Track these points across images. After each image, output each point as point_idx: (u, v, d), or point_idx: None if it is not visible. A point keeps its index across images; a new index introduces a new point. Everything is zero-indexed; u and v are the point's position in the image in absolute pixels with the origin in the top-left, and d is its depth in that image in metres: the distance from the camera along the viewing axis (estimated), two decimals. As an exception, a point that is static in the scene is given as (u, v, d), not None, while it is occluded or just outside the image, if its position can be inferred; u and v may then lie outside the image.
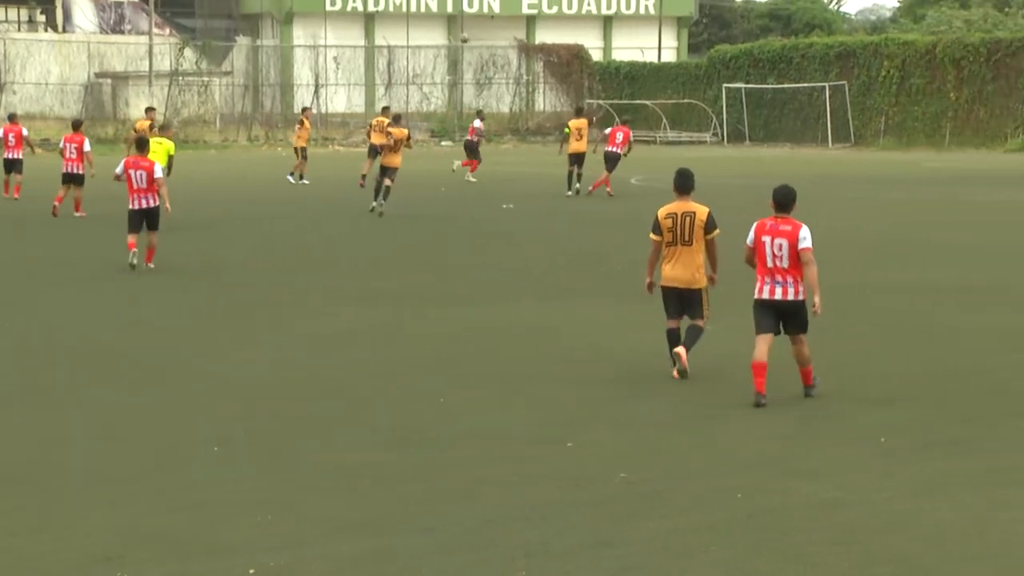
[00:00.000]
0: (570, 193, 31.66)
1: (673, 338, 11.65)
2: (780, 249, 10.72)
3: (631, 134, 32.83)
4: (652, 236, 11.73)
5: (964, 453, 9.11)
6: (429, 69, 69.38)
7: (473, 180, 36.65)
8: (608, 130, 34.36)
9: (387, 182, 26.56)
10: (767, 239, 10.79)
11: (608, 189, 31.60)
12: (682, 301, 11.64)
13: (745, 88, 65.37)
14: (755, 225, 10.93)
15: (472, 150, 38.38)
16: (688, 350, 11.56)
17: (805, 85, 63.20)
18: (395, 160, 26.88)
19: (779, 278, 10.75)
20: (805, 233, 10.72)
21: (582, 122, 32.92)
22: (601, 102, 66.21)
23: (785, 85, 63.99)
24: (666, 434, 9.78)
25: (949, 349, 12.80)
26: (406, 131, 27.79)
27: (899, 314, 14.97)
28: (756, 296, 10.87)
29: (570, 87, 72.06)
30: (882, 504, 8.01)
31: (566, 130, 33.10)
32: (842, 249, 21.10)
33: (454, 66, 70.03)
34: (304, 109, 39.03)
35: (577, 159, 31.97)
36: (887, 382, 11.39)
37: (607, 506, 8.01)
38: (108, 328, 14.23)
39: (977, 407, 10.46)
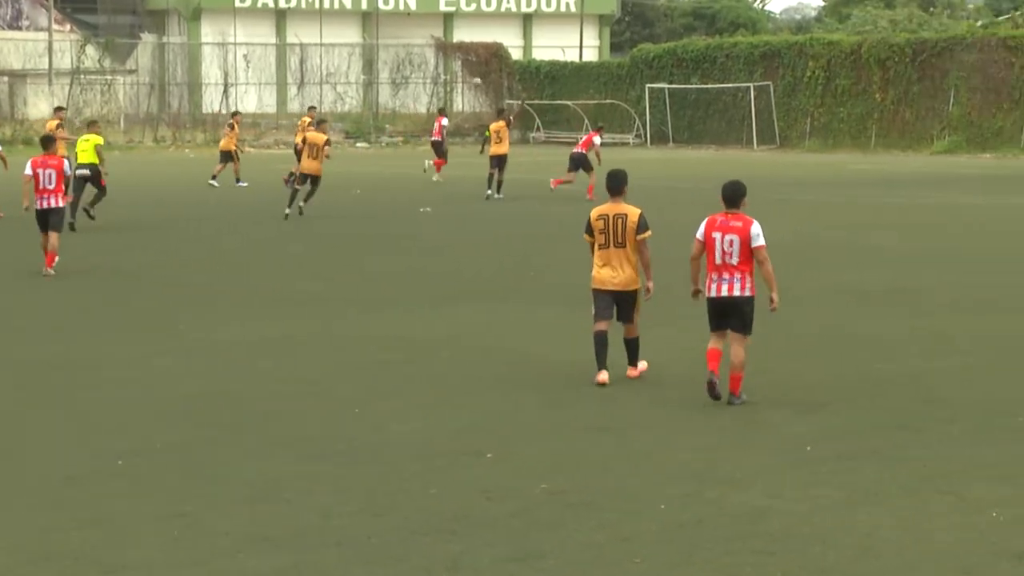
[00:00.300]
0: (489, 193, 31.82)
1: (600, 341, 11.67)
2: (731, 245, 10.96)
3: (594, 139, 33.25)
4: (587, 237, 11.89)
5: (894, 460, 9.16)
6: (343, 68, 69.11)
7: (439, 180, 37.00)
8: (585, 136, 35.04)
9: (306, 187, 26.59)
10: (717, 235, 11.00)
11: (558, 186, 32.23)
12: (616, 303, 11.73)
13: (669, 88, 65.78)
14: (705, 221, 11.13)
15: (440, 149, 38.64)
16: (635, 364, 11.88)
17: (730, 85, 63.73)
18: (312, 166, 26.67)
19: (726, 275, 10.98)
20: (757, 230, 11.01)
21: (500, 124, 33.20)
22: (511, 102, 66.22)
23: (709, 85, 64.48)
24: (590, 443, 9.75)
25: (877, 354, 12.89)
26: (324, 137, 27.52)
27: (826, 318, 15.07)
28: (707, 295, 11.11)
29: (489, 87, 72.07)
30: (811, 513, 8.03)
31: (487, 133, 33.51)
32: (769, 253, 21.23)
33: (369, 65, 69.82)
34: (235, 113, 39.25)
35: (498, 162, 32.12)
36: (814, 389, 11.45)
37: (529, 517, 7.96)
38: (15, 337, 13.95)
39: (906, 413, 10.53)
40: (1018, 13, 70.96)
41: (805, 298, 16.46)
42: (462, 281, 18.08)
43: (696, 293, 11.41)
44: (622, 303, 11.73)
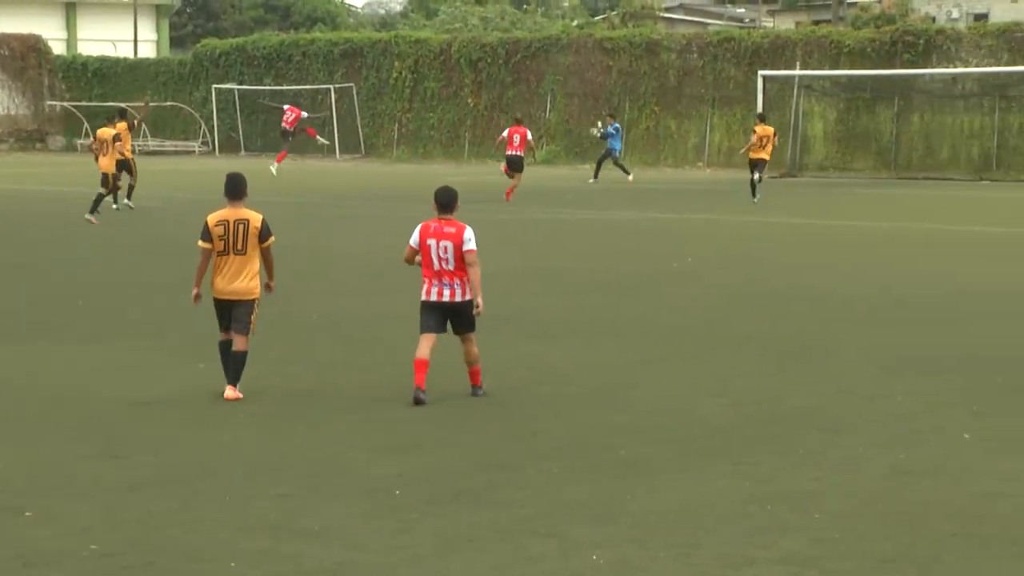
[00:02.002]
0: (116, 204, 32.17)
1: (225, 350, 12.52)
2: (446, 252, 12.27)
3: (528, 134, 36.07)
4: (202, 244, 12.41)
5: (491, 502, 9.40)
6: None
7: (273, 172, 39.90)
8: (505, 133, 37.20)
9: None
10: (432, 242, 12.30)
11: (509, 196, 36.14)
12: (232, 313, 12.41)
13: (239, 90, 65.46)
14: (419, 227, 12.40)
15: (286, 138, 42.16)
16: (236, 383, 12.40)
17: (308, 87, 64.06)
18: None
19: (446, 280, 12.31)
20: (469, 235, 12.34)
21: (107, 132, 32.63)
22: (65, 104, 64.39)
23: (285, 87, 64.58)
24: (147, 496, 9.54)
25: (463, 387, 13.19)
26: None
27: (409, 350, 15.35)
28: (424, 298, 12.37)
29: (26, 85, 69.72)
30: (400, 565, 8.13)
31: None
32: (352, 274, 21.47)
33: None
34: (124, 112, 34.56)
35: (123, 166, 32.37)
36: (398, 429, 11.62)
37: (76, 588, 7.72)
38: None
39: (502, 451, 10.83)
40: (614, 13, 74.46)
41: (389, 319, 16.74)
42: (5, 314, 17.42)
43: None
44: (239, 312, 12.38)
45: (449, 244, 12.28)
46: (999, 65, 51.38)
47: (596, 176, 46.66)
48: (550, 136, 59.19)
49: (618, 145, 46.98)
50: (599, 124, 48.84)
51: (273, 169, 39.48)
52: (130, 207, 33.01)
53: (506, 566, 8.12)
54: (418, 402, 12.14)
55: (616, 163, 47.10)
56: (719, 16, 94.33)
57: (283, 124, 42.38)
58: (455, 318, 12.45)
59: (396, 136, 62.61)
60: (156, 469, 10.29)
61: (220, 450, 10.83)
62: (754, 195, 37.51)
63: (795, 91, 53.15)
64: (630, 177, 46.29)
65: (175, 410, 12.22)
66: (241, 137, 65.25)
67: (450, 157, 59.95)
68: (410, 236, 12.48)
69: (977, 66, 52.40)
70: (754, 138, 38.63)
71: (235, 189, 12.49)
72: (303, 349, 15.02)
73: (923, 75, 53.12)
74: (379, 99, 62.82)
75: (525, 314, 17.18)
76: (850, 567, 8.05)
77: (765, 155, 38.14)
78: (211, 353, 13.41)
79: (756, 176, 37.87)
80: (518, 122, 38.92)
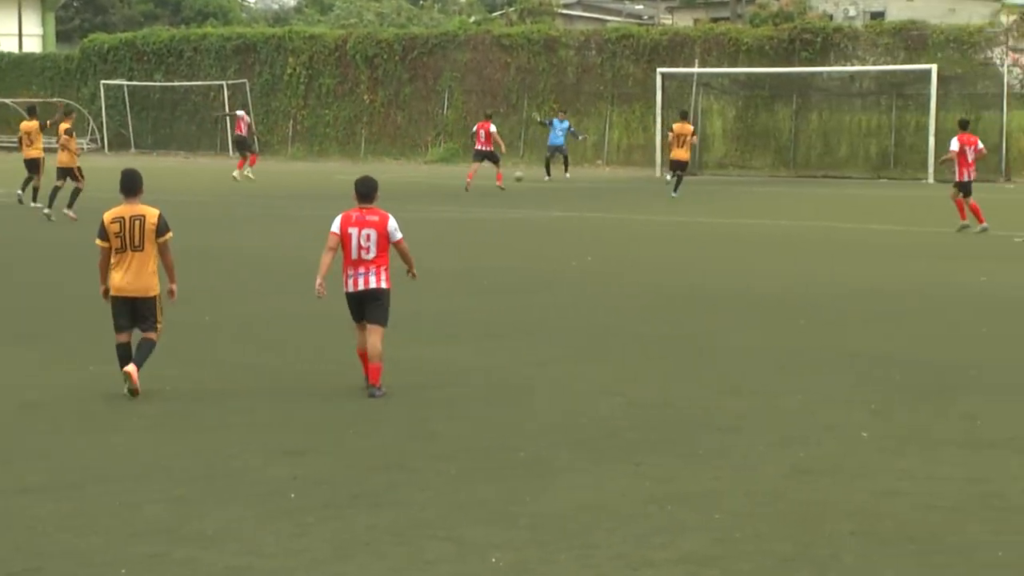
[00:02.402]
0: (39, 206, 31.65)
1: (124, 354, 12.45)
2: (368, 240, 12.66)
3: (493, 129, 39.78)
4: (99, 242, 12.58)
5: (388, 505, 9.41)
6: None
7: (251, 177, 41.69)
8: (475, 128, 41.02)
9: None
10: (354, 231, 12.68)
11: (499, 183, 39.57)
12: (135, 312, 12.51)
13: (128, 86, 64.87)
14: (339, 217, 12.76)
15: (244, 145, 43.53)
16: (140, 366, 12.38)
17: (200, 83, 63.59)
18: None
19: (362, 269, 12.69)
20: (395, 225, 12.81)
21: (31, 124, 33.02)
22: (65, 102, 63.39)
23: (176, 83, 64.09)
24: (36, 501, 9.45)
25: (359, 389, 13.19)
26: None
27: (306, 352, 15.31)
28: (345, 290, 12.78)
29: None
30: (297, 569, 8.12)
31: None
32: (245, 274, 21.36)
33: None
34: (69, 111, 32.67)
35: (32, 166, 32.61)
36: (295, 430, 11.60)
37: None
38: None
39: (399, 453, 10.84)
40: (512, 9, 74.61)
41: (289, 320, 16.69)
42: None
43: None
44: (143, 310, 12.51)
45: (372, 232, 12.71)
46: (896, 63, 52.06)
47: (566, 172, 46.91)
48: (448, 134, 59.18)
49: (561, 140, 46.98)
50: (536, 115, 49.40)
51: (236, 175, 41.47)
52: (36, 206, 32.21)
53: (403, 569, 8.15)
54: (373, 396, 12.60)
55: (548, 162, 47.19)
56: (618, 13, 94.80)
57: (236, 131, 43.57)
58: (368, 305, 12.76)
59: (291, 133, 62.32)
60: (46, 473, 10.19)
61: (112, 453, 10.75)
62: (674, 190, 38.64)
63: (694, 89, 53.55)
64: (547, 178, 46.59)
65: (66, 413, 12.12)
66: (131, 134, 64.65)
67: (346, 155, 59.74)
68: (332, 224, 12.86)
69: (874, 64, 53.08)
70: (670, 136, 39.41)
71: (131, 185, 12.67)
72: (197, 350, 14.94)
73: (821, 73, 53.73)
74: (273, 96, 62.49)
75: (424, 315, 17.19)
76: (750, 567, 8.16)
77: (683, 154, 38.86)
78: (102, 355, 13.32)
79: (669, 176, 39.21)
80: (488, 118, 41.86)
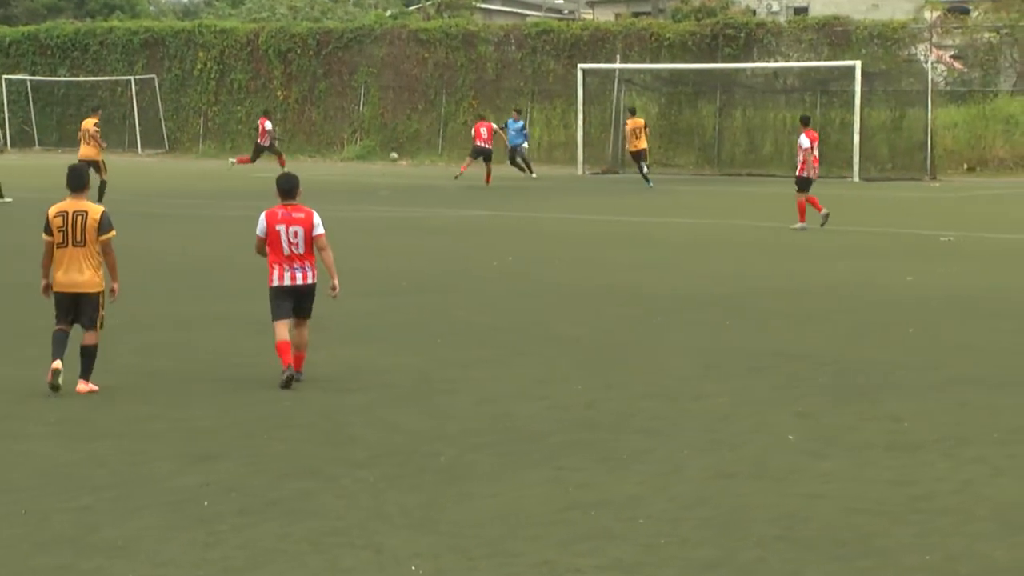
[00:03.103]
0: None
1: (59, 339, 12.74)
2: (296, 236, 13.24)
3: (494, 127, 44.02)
4: (44, 236, 12.85)
5: (304, 512, 9.36)
6: None
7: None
8: (474, 129, 44.28)
9: None
10: (282, 228, 13.24)
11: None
12: (77, 307, 12.79)
13: (31, 81, 64.22)
14: (264, 215, 13.32)
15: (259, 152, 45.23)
16: (88, 378, 12.86)
17: (107, 78, 63.07)
18: None
19: (296, 264, 13.28)
20: (318, 220, 13.39)
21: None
22: None
23: (82, 78, 63.53)
24: (-63, 513, 9.33)
25: (272, 393, 13.12)
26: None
27: (212, 354, 15.22)
28: (276, 283, 13.27)
29: None
30: (209, 580, 8.07)
31: None
32: (157, 275, 21.20)
33: None
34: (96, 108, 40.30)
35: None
36: (205, 436, 11.52)
37: None
38: None
39: (315, 459, 10.79)
40: (429, 3, 74.50)
41: (194, 322, 16.59)
42: None
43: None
44: (84, 306, 12.76)
45: (299, 229, 13.26)
46: (819, 59, 52.50)
47: (531, 172, 46.99)
48: (364, 131, 59.06)
49: (518, 140, 46.96)
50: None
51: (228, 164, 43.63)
52: None
53: (320, 578, 8.11)
54: (288, 382, 13.01)
55: (515, 163, 47.17)
56: (537, 7, 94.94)
57: (260, 140, 45.63)
58: (300, 301, 13.37)
59: (202, 130, 61.96)
60: (-54, 483, 10.07)
61: (15, 461, 10.63)
62: (647, 182, 42.49)
63: (616, 85, 53.74)
64: (533, 175, 47.06)
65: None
66: (35, 131, 64.02)
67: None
68: (256, 227, 13.43)
69: (798, 60, 53.50)
70: (626, 130, 43.43)
71: (76, 181, 13.00)
72: (103, 354, 14.79)
73: (745, 69, 54.09)
74: (183, 91, 62.10)
75: (340, 316, 17.13)
76: (675, 573, 8.19)
77: (642, 144, 43.29)
78: (3, 358, 13.17)
79: (641, 166, 43.17)
80: (481, 118, 45.80)
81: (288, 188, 13.43)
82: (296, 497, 9.75)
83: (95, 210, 12.93)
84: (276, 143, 46.80)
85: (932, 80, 50.43)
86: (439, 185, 43.69)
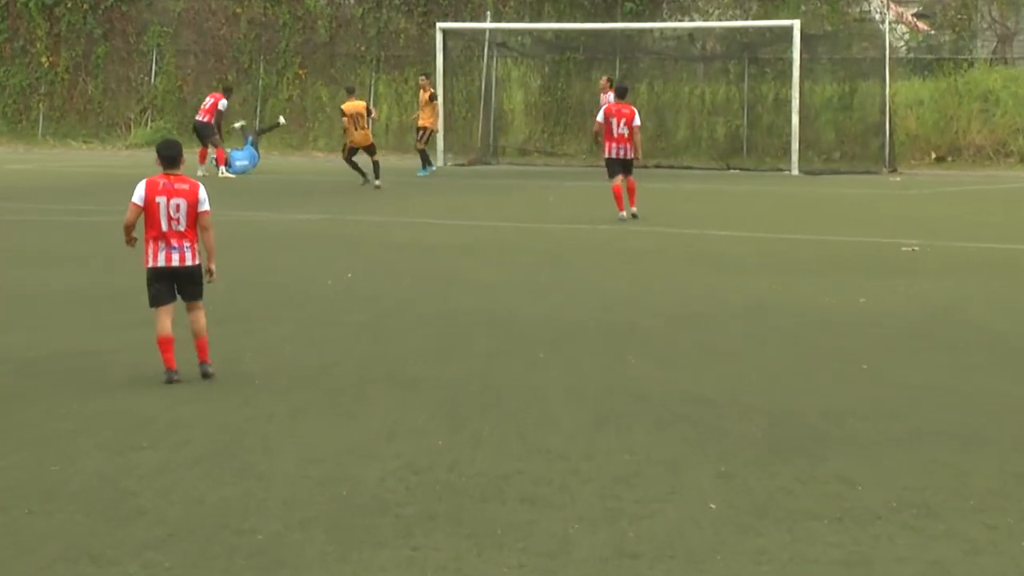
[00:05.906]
0: None
1: None
2: (177, 211, 14.73)
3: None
4: None
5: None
6: None
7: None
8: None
9: None
10: (162, 200, 14.67)
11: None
12: None
13: None
14: (144, 184, 14.77)
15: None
16: None
17: None
18: None
19: (175, 242, 14.80)
20: (204, 195, 14.93)
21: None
22: None
23: None
24: None
25: (34, 450, 13.03)
26: None
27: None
28: (151, 264, 14.88)
29: None
30: None
31: None
32: None
33: None
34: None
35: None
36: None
37: None
38: None
39: (94, 540, 10.72)
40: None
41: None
42: None
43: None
44: None
45: (182, 202, 14.77)
46: (747, 18, 52.98)
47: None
48: (157, 109, 58.73)
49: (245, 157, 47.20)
50: (240, 124, 49.49)
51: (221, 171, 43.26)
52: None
53: None
54: (171, 382, 14.95)
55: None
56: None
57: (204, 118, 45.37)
58: (183, 284, 15.11)
59: (-59, 108, 61.29)
60: None
61: None
62: (367, 181, 43.60)
63: (485, 50, 53.88)
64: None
65: None
66: None
67: (18, 137, 58.89)
68: (133, 194, 14.83)
69: (720, 19, 53.91)
70: (344, 120, 43.26)
71: (170, 155, 14.92)
72: None
73: (652, 31, 54.41)
74: None
75: (127, 350, 17.02)
76: None
77: (363, 140, 43.22)
78: None
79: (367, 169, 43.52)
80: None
81: (171, 156, 14.94)
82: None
83: None
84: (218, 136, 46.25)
85: (890, 45, 50.92)
86: (255, 181, 43.50)
